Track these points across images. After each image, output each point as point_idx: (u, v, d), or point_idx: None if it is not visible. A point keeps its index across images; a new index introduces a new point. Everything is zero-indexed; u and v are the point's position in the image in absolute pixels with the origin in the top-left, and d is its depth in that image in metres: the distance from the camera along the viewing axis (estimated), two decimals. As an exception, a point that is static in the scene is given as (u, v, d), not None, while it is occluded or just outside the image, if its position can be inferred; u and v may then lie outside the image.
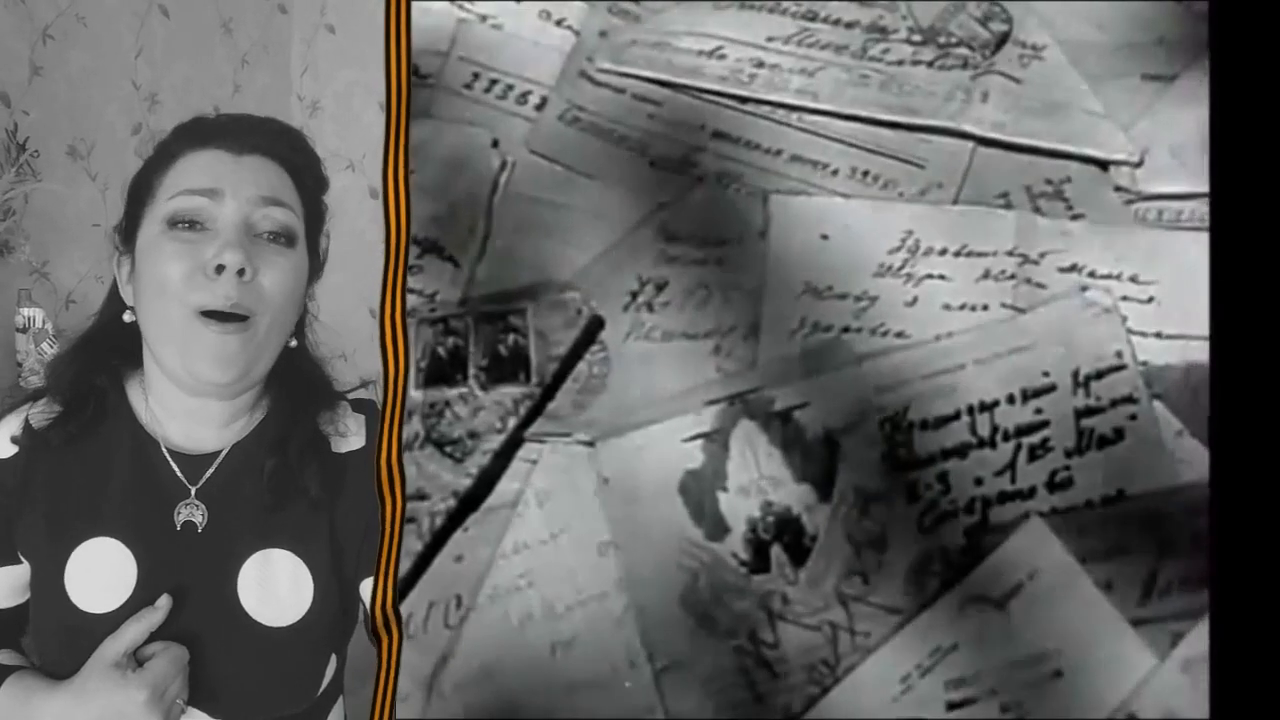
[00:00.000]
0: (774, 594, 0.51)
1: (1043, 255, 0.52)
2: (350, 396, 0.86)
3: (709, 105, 0.53)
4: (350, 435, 0.83)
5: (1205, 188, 0.52)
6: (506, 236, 0.52)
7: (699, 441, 0.51)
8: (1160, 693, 0.51)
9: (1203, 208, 0.52)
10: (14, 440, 0.80)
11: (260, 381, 0.81)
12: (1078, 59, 0.53)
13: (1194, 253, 0.52)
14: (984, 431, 0.51)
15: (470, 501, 0.52)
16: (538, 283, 0.52)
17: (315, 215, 0.83)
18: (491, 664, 0.51)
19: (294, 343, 0.82)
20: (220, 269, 0.72)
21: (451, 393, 0.50)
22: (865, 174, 0.53)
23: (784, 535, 0.51)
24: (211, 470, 0.79)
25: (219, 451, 0.80)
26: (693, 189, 0.52)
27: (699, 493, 0.51)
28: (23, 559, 0.79)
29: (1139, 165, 0.53)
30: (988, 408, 0.51)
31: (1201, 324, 0.52)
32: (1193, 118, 0.53)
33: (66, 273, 1.81)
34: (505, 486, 0.52)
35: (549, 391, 0.52)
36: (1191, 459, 0.51)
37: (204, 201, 0.74)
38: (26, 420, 0.80)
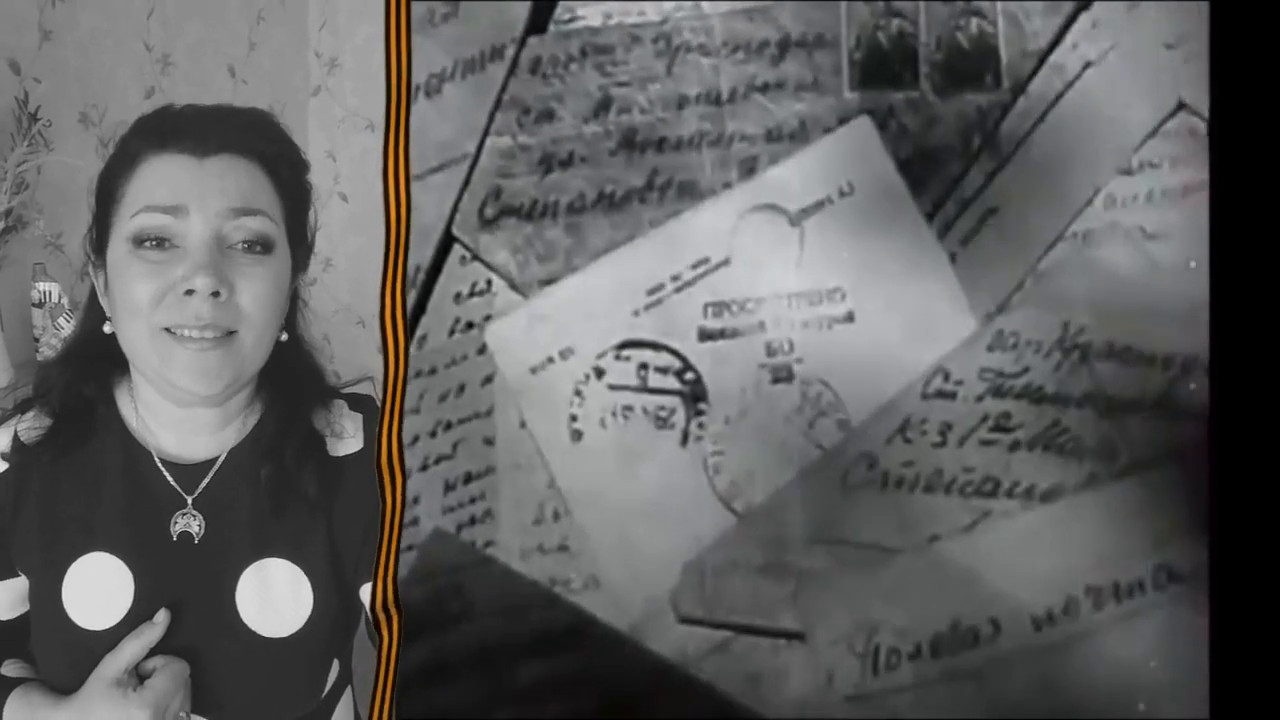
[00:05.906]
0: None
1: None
2: (346, 391, 0.83)
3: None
4: (347, 437, 0.80)
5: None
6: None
7: None
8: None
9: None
10: (4, 456, 0.77)
11: (251, 381, 0.77)
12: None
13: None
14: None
15: None
16: None
17: (297, 202, 0.77)
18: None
19: (284, 336, 0.78)
20: (191, 293, 0.69)
21: None
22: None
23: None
24: (208, 479, 0.77)
25: (214, 459, 0.77)
26: None
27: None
28: (20, 574, 0.77)
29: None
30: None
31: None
32: None
33: (81, 243, 1.84)
34: None
35: None
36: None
37: (168, 219, 0.70)
38: (16, 435, 0.77)
